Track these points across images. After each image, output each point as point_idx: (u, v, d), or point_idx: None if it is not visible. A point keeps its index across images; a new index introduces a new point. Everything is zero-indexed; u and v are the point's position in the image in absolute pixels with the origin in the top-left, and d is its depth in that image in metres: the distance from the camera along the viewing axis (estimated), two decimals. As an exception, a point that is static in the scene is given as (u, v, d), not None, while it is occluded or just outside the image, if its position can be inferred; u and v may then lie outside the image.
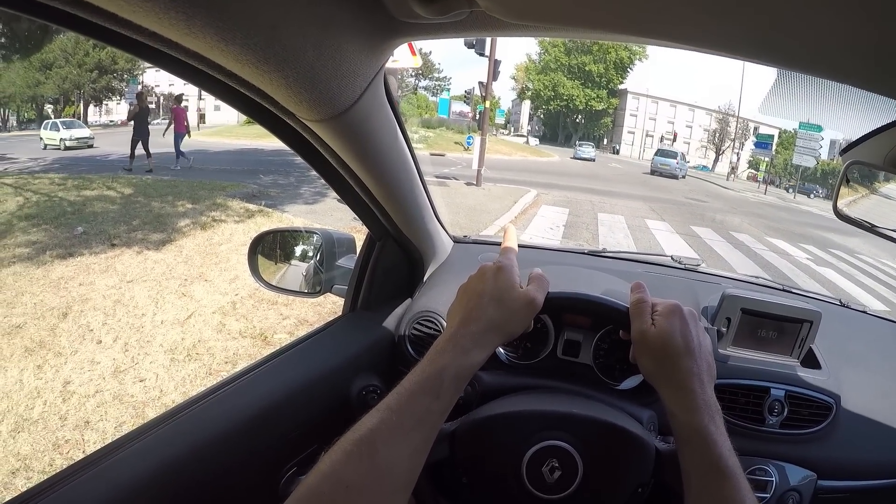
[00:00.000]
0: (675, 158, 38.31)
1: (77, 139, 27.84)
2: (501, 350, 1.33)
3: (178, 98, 19.56)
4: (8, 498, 0.96)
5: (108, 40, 0.66)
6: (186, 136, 17.57)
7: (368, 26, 0.73)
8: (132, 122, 16.92)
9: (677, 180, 35.16)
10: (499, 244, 1.93)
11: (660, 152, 41.38)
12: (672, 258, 1.90)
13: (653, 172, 36.97)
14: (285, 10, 0.62)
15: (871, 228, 1.18)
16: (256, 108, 0.87)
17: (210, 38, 0.59)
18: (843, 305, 1.81)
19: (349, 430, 0.76)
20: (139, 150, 16.48)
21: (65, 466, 0.93)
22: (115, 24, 0.59)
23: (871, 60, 0.50)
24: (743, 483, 0.78)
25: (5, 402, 4.09)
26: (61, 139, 27.70)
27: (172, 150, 16.89)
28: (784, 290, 1.78)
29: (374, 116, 0.96)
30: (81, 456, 0.99)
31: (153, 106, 63.13)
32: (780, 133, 66.86)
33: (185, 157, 17.09)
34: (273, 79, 0.71)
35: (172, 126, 17.50)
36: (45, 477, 0.92)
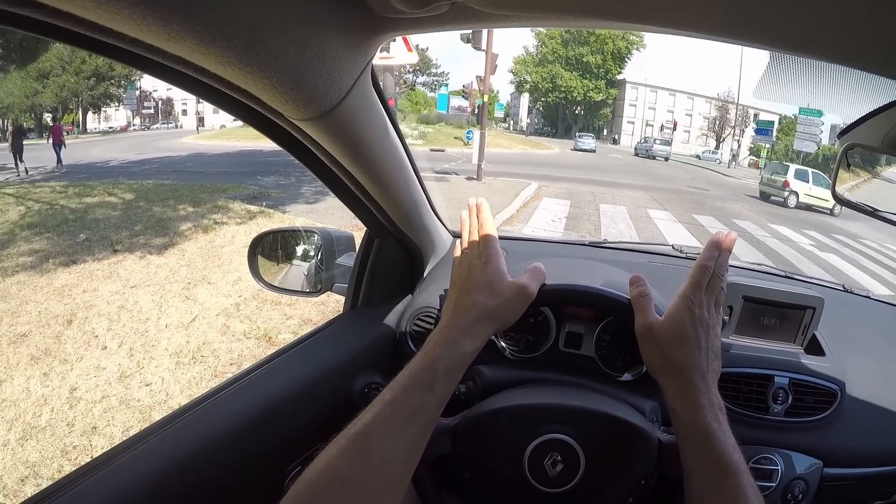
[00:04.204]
0: (651, 144, 49.04)
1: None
2: (503, 344, 1.32)
3: (55, 118, 27.82)
4: (14, 504, 0.96)
5: (93, 49, 0.65)
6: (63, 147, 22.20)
7: (350, 23, 0.73)
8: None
9: (668, 164, 40.84)
10: (498, 238, 1.93)
11: (641, 139, 56.59)
12: (673, 247, 1.89)
13: (636, 154, 47.96)
14: (265, 11, 0.62)
15: (872, 213, 1.17)
16: (245, 110, 0.86)
17: (190, 41, 0.59)
18: (847, 291, 1.80)
19: (346, 426, 0.76)
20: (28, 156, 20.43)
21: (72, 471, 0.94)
22: (98, 33, 0.58)
23: (870, 41, 0.50)
24: (747, 479, 0.77)
25: (13, 410, 4.11)
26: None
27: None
28: (786, 277, 1.77)
29: (363, 113, 0.96)
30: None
31: (152, 111, 63.41)
32: (780, 119, 66.65)
33: (60, 163, 20.71)
34: (257, 79, 0.70)
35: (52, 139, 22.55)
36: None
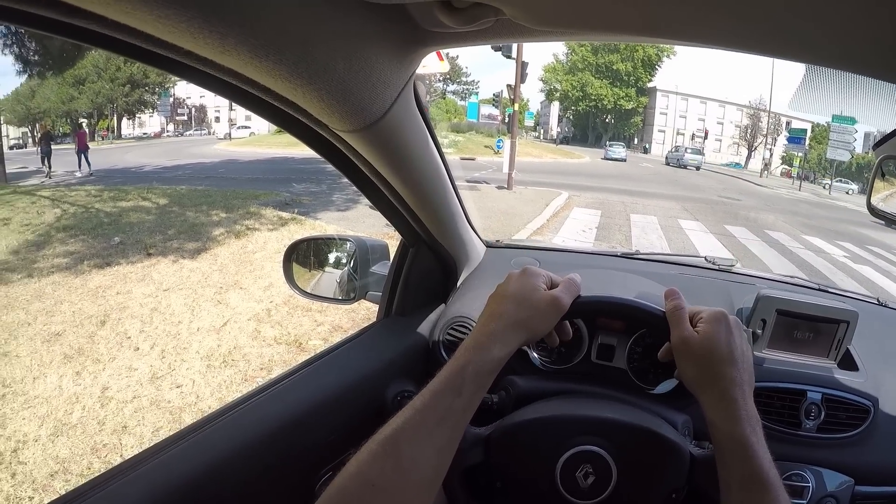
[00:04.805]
0: (682, 153, 47.40)
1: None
2: (535, 355, 1.33)
3: (80, 125, 31.90)
4: (45, 501, 0.99)
5: (145, 59, 0.67)
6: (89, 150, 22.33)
7: (397, 38, 0.74)
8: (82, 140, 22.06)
9: (699, 173, 39.74)
10: (531, 248, 1.93)
11: (672, 148, 55.01)
12: (706, 259, 1.87)
13: (667, 163, 46.15)
14: (316, 26, 0.63)
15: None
16: (289, 120, 0.88)
17: (244, 54, 0.60)
18: (881, 304, 1.76)
19: (377, 431, 0.77)
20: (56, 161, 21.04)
21: (103, 470, 0.95)
22: (152, 45, 0.61)
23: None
24: (783, 495, 0.77)
25: (45, 406, 4.20)
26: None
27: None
28: (820, 290, 1.74)
29: (405, 125, 0.97)
30: (119, 460, 1.01)
31: (185, 118, 64.18)
32: (812, 127, 65.41)
33: (88, 166, 20.62)
34: (305, 92, 0.72)
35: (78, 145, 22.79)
36: (83, 480, 0.94)
